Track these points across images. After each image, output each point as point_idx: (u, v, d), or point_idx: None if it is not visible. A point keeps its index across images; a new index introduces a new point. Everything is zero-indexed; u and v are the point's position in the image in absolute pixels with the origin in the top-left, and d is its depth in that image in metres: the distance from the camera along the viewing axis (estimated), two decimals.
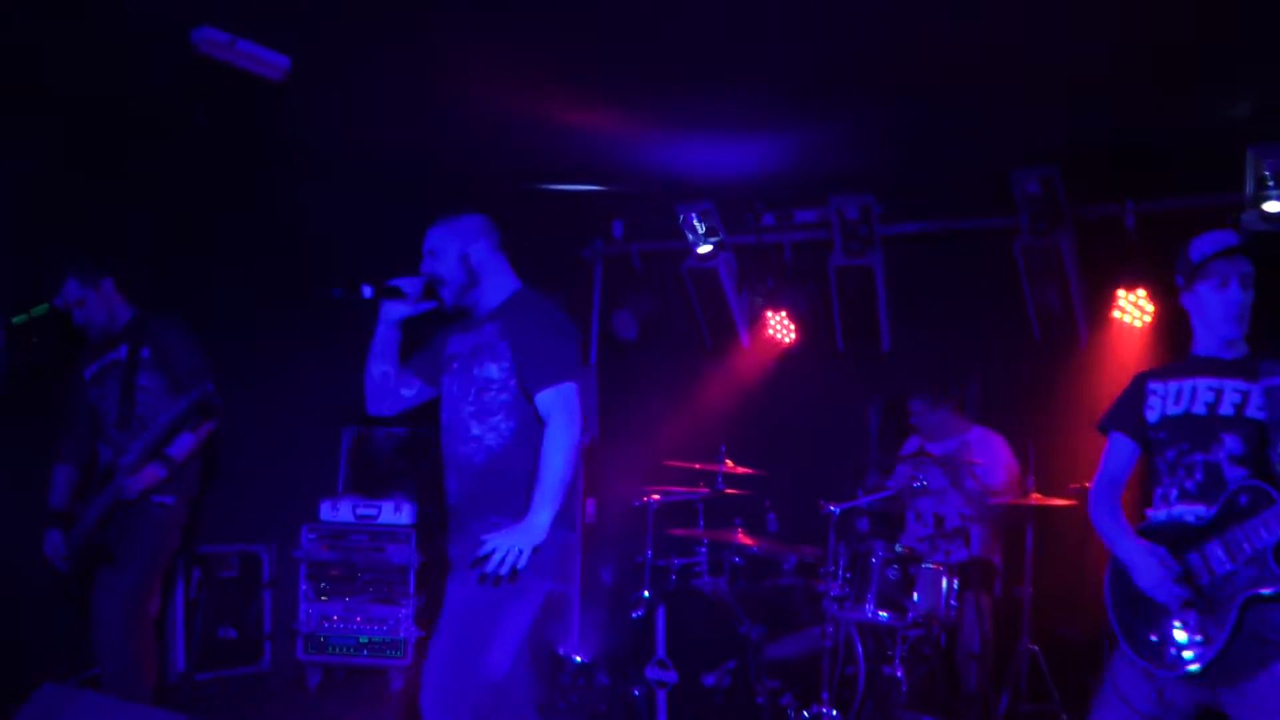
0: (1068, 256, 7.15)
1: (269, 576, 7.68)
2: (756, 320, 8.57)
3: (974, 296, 7.84)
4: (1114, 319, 7.31)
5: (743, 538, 6.77)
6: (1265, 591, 3.56)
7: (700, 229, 8.26)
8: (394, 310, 4.51)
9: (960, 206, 7.84)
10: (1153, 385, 4.07)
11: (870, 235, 7.76)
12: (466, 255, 4.42)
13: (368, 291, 4.39)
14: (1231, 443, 3.78)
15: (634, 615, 6.83)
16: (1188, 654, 3.69)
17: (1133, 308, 7.23)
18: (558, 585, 4.27)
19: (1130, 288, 7.19)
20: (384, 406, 4.65)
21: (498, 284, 4.48)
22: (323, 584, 7.53)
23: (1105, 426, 4.25)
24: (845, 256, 7.86)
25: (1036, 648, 6.50)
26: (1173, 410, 3.96)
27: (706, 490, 7.13)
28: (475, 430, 4.25)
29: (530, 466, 4.12)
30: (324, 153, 7.24)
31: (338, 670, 7.72)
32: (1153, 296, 7.17)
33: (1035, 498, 6.49)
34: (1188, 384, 3.95)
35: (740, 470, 7.08)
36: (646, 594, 7.01)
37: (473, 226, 4.48)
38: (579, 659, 7.66)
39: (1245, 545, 3.61)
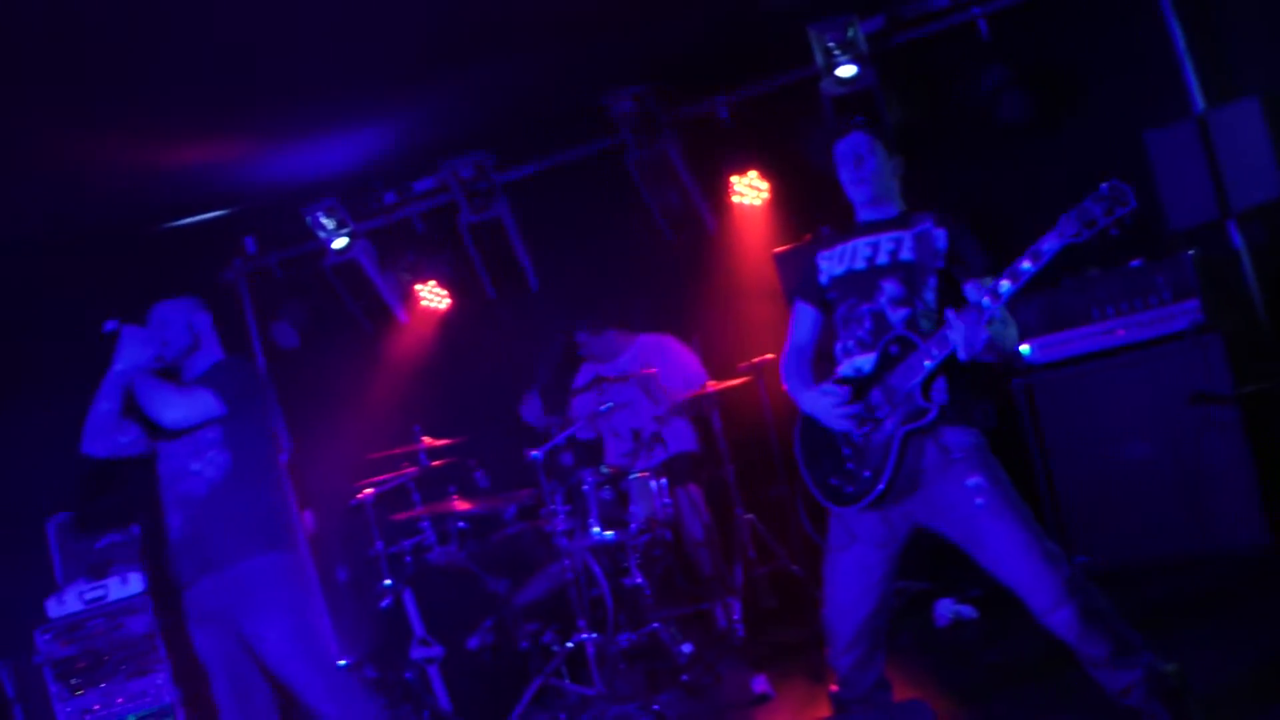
0: (676, 158, 7.63)
1: (13, 693, 7.48)
2: (408, 296, 8.75)
3: (603, 216, 8.22)
4: (734, 203, 7.86)
5: (458, 503, 7.00)
6: (919, 425, 4.05)
7: (330, 225, 8.35)
8: (133, 355, 4.88)
9: (570, 139, 8.19)
10: (821, 255, 4.46)
11: (491, 188, 8.06)
12: (192, 323, 5.07)
13: (111, 325, 4.89)
14: (890, 287, 4.19)
15: (382, 605, 7.01)
16: (862, 490, 4.14)
17: (748, 189, 7.81)
18: None
19: (741, 172, 7.76)
20: (99, 446, 5.01)
21: (209, 352, 5.13)
22: (73, 680, 7.37)
23: (790, 298, 4.63)
24: (472, 213, 8.14)
25: (752, 516, 7.12)
26: (838, 270, 4.35)
27: (414, 469, 7.34)
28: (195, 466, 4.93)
29: None
30: None
31: None
32: (764, 175, 7.78)
33: (712, 385, 7.03)
34: (849, 245, 4.36)
35: (438, 443, 7.29)
36: (389, 582, 7.19)
37: (194, 302, 5.15)
38: (342, 662, 7.78)
39: (899, 389, 4.09)
